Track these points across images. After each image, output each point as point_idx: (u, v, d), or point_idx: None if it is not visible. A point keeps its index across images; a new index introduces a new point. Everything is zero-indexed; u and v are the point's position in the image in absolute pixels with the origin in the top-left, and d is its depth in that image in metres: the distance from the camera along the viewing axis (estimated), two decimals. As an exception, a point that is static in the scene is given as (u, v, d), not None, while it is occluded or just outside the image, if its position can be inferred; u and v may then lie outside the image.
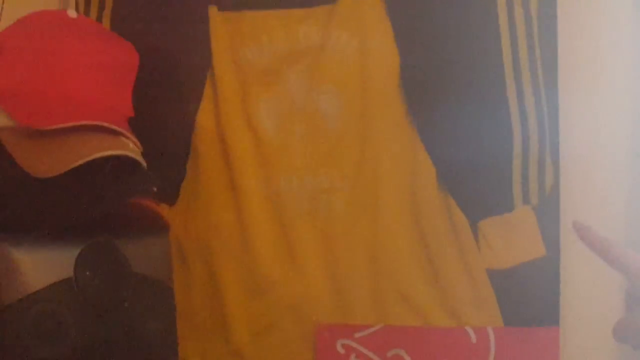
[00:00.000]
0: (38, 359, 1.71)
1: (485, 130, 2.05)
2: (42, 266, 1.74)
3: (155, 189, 1.94)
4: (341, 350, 2.08)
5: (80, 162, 1.72)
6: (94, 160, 1.73)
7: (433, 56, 2.07)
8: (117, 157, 1.77)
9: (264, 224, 2.13)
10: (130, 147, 1.81)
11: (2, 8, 2.14)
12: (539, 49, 2.03)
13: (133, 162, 1.81)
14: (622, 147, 2.04)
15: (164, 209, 2.12)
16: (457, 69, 2.06)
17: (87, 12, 2.20)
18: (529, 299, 2.02)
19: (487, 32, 2.04)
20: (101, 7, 2.20)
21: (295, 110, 2.12)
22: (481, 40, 2.05)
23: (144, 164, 1.83)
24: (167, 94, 2.15)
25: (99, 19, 2.19)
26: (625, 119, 2.04)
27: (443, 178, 2.06)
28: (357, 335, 2.08)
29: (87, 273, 1.78)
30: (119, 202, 1.88)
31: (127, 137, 1.83)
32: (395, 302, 2.08)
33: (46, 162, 1.76)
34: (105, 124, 1.80)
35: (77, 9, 2.17)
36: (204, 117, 2.16)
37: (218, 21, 2.16)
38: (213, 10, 2.15)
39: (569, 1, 2.02)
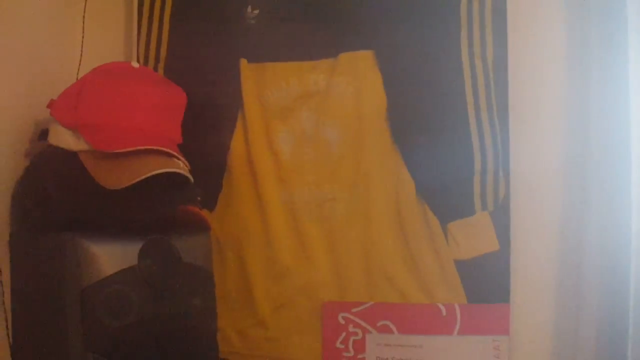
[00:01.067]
0: (109, 328, 1.74)
1: (452, 153, 2.09)
2: (112, 256, 1.78)
3: (199, 198, 2.01)
4: (342, 322, 2.12)
5: (142, 177, 1.76)
6: (153, 175, 1.76)
7: (412, 97, 2.12)
8: (170, 174, 1.80)
9: (282, 225, 2.17)
10: (181, 166, 1.85)
11: (80, 59, 2.19)
12: (494, 89, 2.08)
13: (183, 178, 1.84)
14: (558, 165, 2.10)
15: (206, 214, 2.08)
16: (430, 106, 2.11)
17: (146, 63, 2.22)
18: (486, 282, 2.07)
19: (454, 78, 2.09)
20: (157, 60, 2.23)
21: (306, 138, 2.17)
22: (449, 83, 2.10)
23: (192, 179, 1.87)
24: (208, 126, 2.16)
25: (155, 69, 2.21)
26: (560, 142, 2.10)
27: (420, 190, 2.10)
28: (354, 310, 2.12)
29: (148, 262, 1.83)
30: (172, 207, 1.92)
31: (178, 159, 1.86)
32: (383, 284, 2.12)
33: (115, 177, 1.79)
34: (161, 148, 1.84)
35: (138, 61, 2.19)
36: (236, 144, 2.19)
37: (247, 70, 2.20)
38: (243, 62, 2.19)
39: (517, 52, 2.08)
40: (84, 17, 2.25)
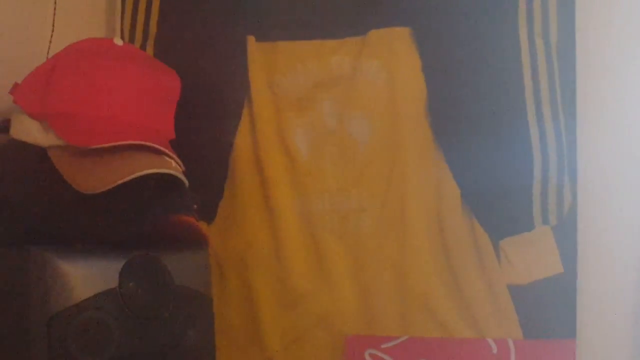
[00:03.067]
0: None
1: (507, 154, 2.03)
2: (88, 277, 1.72)
3: (195, 207, 1.96)
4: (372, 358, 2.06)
5: (125, 179, 1.70)
6: (138, 178, 1.71)
7: (458, 86, 2.06)
8: (160, 176, 1.75)
9: (297, 241, 2.11)
10: (173, 166, 1.79)
11: (52, 35, 2.15)
12: (558, 78, 2.01)
13: (175, 181, 1.79)
14: (637, 170, 2.01)
15: (203, 226, 2.08)
16: (481, 97, 2.05)
17: (132, 40, 2.21)
18: (547, 312, 2.00)
19: (510, 63, 2.04)
20: (145, 36, 2.20)
21: (327, 134, 2.12)
22: (504, 70, 2.04)
23: (186, 182, 1.81)
24: (207, 118, 2.14)
25: (143, 47, 2.20)
26: (637, 145, 2.02)
27: (467, 199, 2.04)
28: (383, 345, 2.06)
29: (131, 284, 1.76)
30: (161, 218, 1.87)
31: (170, 157, 1.81)
32: (420, 314, 2.06)
33: (93, 179, 1.74)
34: (149, 144, 1.79)
35: (122, 37, 2.17)
36: (241, 140, 2.15)
37: (255, 50, 2.16)
38: (251, 40, 2.16)
39: (587, 33, 2.02)
40: None
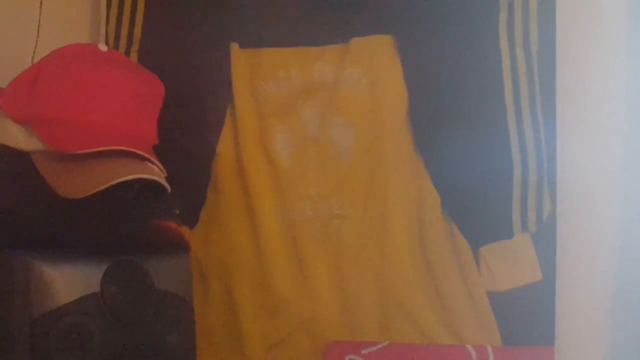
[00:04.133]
0: None
1: (487, 161, 2.05)
2: (70, 281, 1.74)
3: (177, 212, 1.96)
4: None
5: (108, 184, 1.72)
6: (120, 183, 1.73)
7: (440, 94, 2.08)
8: (142, 181, 1.77)
9: (279, 247, 2.13)
10: (156, 172, 1.81)
11: (37, 41, 2.16)
12: (539, 88, 2.04)
13: (157, 186, 1.81)
14: (616, 176, 2.05)
15: (185, 231, 2.10)
16: (461, 104, 2.07)
17: (116, 47, 2.21)
18: (526, 319, 2.02)
19: (491, 73, 2.05)
20: (129, 42, 2.21)
21: (309, 141, 2.13)
22: (485, 80, 2.06)
23: (168, 188, 1.82)
24: (190, 124, 2.15)
25: (127, 53, 2.20)
26: (619, 150, 2.05)
27: (447, 206, 2.06)
28: (364, 351, 2.07)
29: (113, 288, 1.78)
30: (143, 223, 1.88)
31: (153, 163, 1.83)
32: (400, 320, 2.07)
33: (75, 184, 1.76)
34: (132, 149, 1.81)
35: (107, 43, 2.18)
36: (224, 146, 2.16)
37: (238, 57, 2.17)
38: (234, 47, 2.17)
39: (566, 40, 2.04)
40: None
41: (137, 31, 2.22)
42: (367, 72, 2.11)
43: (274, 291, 2.12)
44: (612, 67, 2.06)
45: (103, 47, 2.04)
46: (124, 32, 2.22)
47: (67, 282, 1.74)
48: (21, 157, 1.82)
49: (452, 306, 2.05)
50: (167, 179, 1.83)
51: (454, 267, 2.06)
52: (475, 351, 2.03)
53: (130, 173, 1.75)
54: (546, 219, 2.03)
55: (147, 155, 1.82)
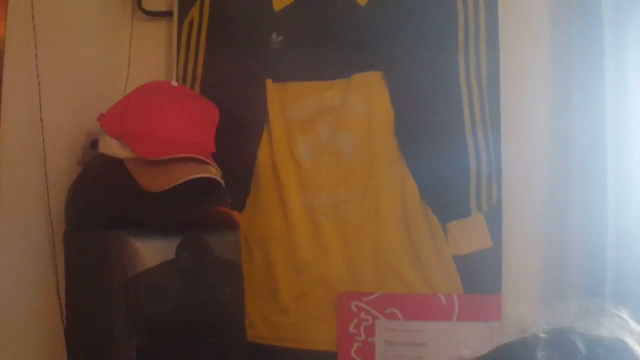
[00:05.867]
0: (150, 314, 1.72)
1: (451, 162, 2.05)
2: (153, 251, 1.76)
3: (229, 200, 1.99)
4: (354, 309, 2.07)
5: (180, 181, 1.75)
6: (189, 180, 1.75)
7: (416, 113, 2.07)
8: (205, 179, 1.80)
9: (302, 224, 2.11)
10: (214, 172, 1.84)
11: (127, 79, 2.16)
12: (487, 104, 2.04)
13: (215, 182, 1.83)
14: (543, 172, 2.04)
15: (235, 214, 2.08)
16: (432, 121, 2.06)
17: (184, 82, 2.18)
18: (481, 275, 2.02)
19: (453, 96, 2.05)
20: (193, 79, 2.18)
21: (323, 148, 2.11)
22: (449, 101, 2.06)
23: (223, 183, 1.85)
24: (237, 137, 2.11)
25: (192, 87, 2.18)
26: (545, 152, 2.05)
27: (423, 194, 2.05)
28: (365, 299, 2.07)
29: (184, 256, 1.79)
30: (205, 208, 1.90)
31: (212, 165, 1.85)
32: (390, 276, 2.06)
33: (156, 181, 1.78)
34: (196, 156, 1.83)
35: (177, 80, 2.16)
36: (262, 153, 2.14)
37: (272, 89, 2.14)
38: (269, 82, 2.14)
39: (508, 73, 2.03)
40: (130, 42, 2.25)
41: (199, 71, 2.18)
42: (364, 98, 2.09)
43: (299, 256, 2.11)
44: (541, 91, 2.06)
45: (174, 83, 2.07)
46: (190, 72, 2.19)
47: (151, 251, 1.75)
48: (117, 162, 1.83)
49: (428, 266, 2.05)
50: (222, 176, 1.86)
51: (428, 237, 2.06)
52: (445, 298, 2.03)
53: (195, 173, 1.78)
54: (494, 202, 2.03)
55: (207, 160, 1.85)
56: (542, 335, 0.68)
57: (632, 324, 0.69)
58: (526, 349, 0.66)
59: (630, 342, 0.66)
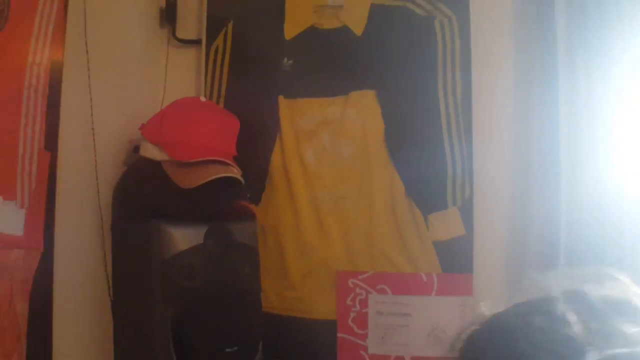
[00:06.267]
0: (183, 288, 1.74)
1: (431, 164, 2.07)
2: (185, 237, 1.77)
3: (248, 195, 2.00)
4: (351, 285, 2.08)
5: (208, 179, 1.77)
6: (215, 179, 1.77)
7: (402, 124, 2.09)
8: (228, 177, 1.81)
9: (308, 216, 2.12)
10: (235, 172, 1.85)
11: (164, 96, 2.18)
12: (461, 117, 2.06)
13: (236, 181, 1.84)
14: (508, 173, 2.07)
15: (254, 207, 2.09)
16: (416, 131, 2.08)
17: (210, 98, 2.19)
18: (456, 257, 2.04)
19: (433, 110, 2.07)
20: (219, 95, 2.18)
21: (325, 153, 2.13)
22: (429, 115, 2.07)
23: (243, 181, 1.86)
24: (255, 143, 2.13)
25: (217, 102, 2.17)
26: (509, 156, 2.07)
27: (409, 191, 2.07)
28: (359, 277, 2.08)
29: (211, 241, 1.81)
30: (228, 202, 1.90)
31: (233, 167, 1.86)
32: (380, 258, 2.08)
33: (188, 179, 1.79)
34: (221, 159, 1.84)
35: (205, 96, 2.16)
36: (275, 156, 2.16)
37: (284, 104, 2.16)
38: (281, 98, 2.16)
39: (478, 91, 2.06)
40: (166, 64, 2.26)
41: (223, 89, 2.19)
42: (359, 112, 2.11)
43: (305, 242, 2.13)
44: (505, 105, 2.09)
45: (203, 99, 2.08)
46: (215, 89, 2.20)
47: (183, 237, 1.77)
48: (155, 164, 1.85)
49: (411, 250, 2.07)
50: (242, 176, 1.87)
51: (412, 226, 2.07)
52: (425, 276, 2.05)
53: (220, 173, 1.80)
54: (467, 198, 2.05)
55: (229, 162, 1.86)
56: (557, 294, 0.65)
57: (633, 286, 0.67)
58: (545, 303, 0.63)
59: (635, 300, 0.64)
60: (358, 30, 2.12)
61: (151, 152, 1.86)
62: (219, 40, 2.19)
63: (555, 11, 1.95)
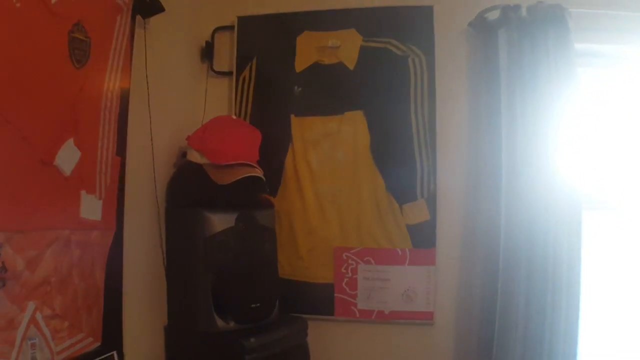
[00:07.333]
0: (218, 260, 1.74)
1: (405, 168, 2.04)
2: (220, 221, 1.77)
3: (267, 190, 1.97)
4: (345, 258, 2.06)
5: (238, 178, 1.76)
6: (245, 177, 1.77)
7: (384, 138, 2.06)
8: (253, 176, 1.80)
9: (312, 205, 2.09)
10: (258, 172, 1.82)
11: (204, 114, 2.14)
12: (428, 134, 2.04)
13: (259, 179, 1.83)
14: (461, 178, 2.03)
15: (272, 198, 2.08)
16: (394, 143, 2.06)
17: (239, 116, 2.15)
18: (423, 236, 2.02)
19: (407, 126, 2.05)
20: (245, 114, 2.14)
21: (326, 158, 2.10)
22: (404, 130, 2.05)
23: (264, 179, 1.85)
24: (272, 151, 2.08)
25: (245, 119, 2.14)
26: (463, 166, 2.03)
27: (388, 187, 2.05)
28: (351, 251, 2.06)
29: (240, 224, 1.81)
30: (253, 195, 1.90)
31: (257, 168, 1.83)
32: (367, 237, 2.06)
33: (223, 178, 1.78)
34: (248, 162, 1.82)
35: (235, 115, 2.15)
36: (288, 161, 2.12)
37: (295, 121, 2.12)
38: (293, 117, 2.12)
39: (441, 116, 2.03)
40: (206, 91, 2.22)
41: (249, 109, 2.14)
42: (352, 127, 2.09)
43: (310, 225, 2.10)
44: (461, 127, 2.06)
45: (234, 117, 2.08)
46: (243, 110, 2.16)
47: (219, 221, 1.77)
48: (198, 166, 1.83)
49: (390, 231, 2.05)
50: (263, 175, 1.84)
51: (390, 213, 2.05)
52: (400, 251, 2.03)
53: (247, 173, 1.79)
54: (431, 192, 2.02)
55: (254, 165, 1.84)
56: None
57: None
58: None
59: None
60: (351, 65, 2.09)
61: (195, 157, 1.85)
62: (246, 72, 2.17)
63: (499, 56, 1.93)
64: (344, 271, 2.06)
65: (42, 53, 1.34)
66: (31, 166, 1.31)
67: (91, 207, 1.52)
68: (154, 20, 1.77)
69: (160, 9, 1.74)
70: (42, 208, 1.34)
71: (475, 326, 1.94)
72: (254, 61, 2.15)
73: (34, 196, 1.32)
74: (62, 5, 1.38)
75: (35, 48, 1.31)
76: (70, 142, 1.43)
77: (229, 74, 2.18)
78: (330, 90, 2.11)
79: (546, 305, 1.84)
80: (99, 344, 1.51)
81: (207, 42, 2.19)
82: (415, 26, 2.05)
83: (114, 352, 1.53)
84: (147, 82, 1.77)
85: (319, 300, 2.06)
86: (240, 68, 2.16)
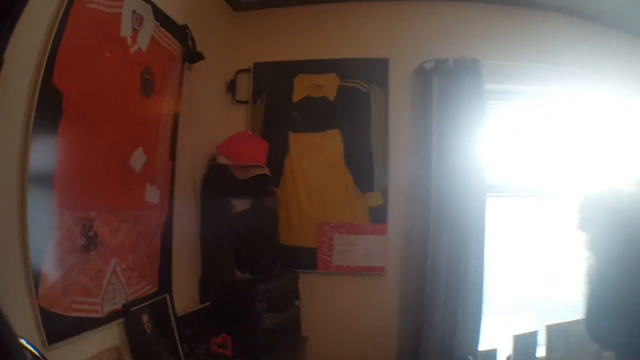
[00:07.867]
0: (240, 231, 1.74)
1: (367, 172, 2.04)
2: (241, 204, 1.75)
3: (273, 183, 1.97)
4: (325, 230, 2.05)
5: (253, 174, 1.77)
6: (257, 174, 1.77)
7: (354, 149, 2.06)
8: (263, 174, 1.79)
9: (303, 194, 2.07)
10: (267, 171, 1.82)
11: (229, 131, 2.04)
12: (382, 147, 2.03)
13: (268, 176, 1.82)
14: (408, 179, 2.01)
15: (275, 189, 2.02)
16: (360, 155, 2.05)
17: (253, 132, 2.10)
18: (378, 214, 2.02)
19: (368, 145, 2.04)
20: (258, 132, 2.10)
21: (314, 162, 2.08)
22: (366, 144, 2.04)
23: (271, 176, 1.85)
24: (275, 156, 2.01)
25: (257, 134, 2.09)
26: (409, 170, 2.01)
27: (355, 182, 2.04)
28: (329, 225, 2.05)
29: (254, 206, 1.79)
30: (264, 187, 1.89)
31: (266, 168, 1.83)
32: (341, 216, 2.05)
33: (243, 174, 1.78)
34: (260, 164, 1.82)
35: (251, 131, 2.11)
36: (287, 163, 2.09)
37: (292, 136, 2.10)
38: (290, 133, 2.10)
39: (393, 137, 2.03)
40: (230, 115, 2.16)
41: (261, 127, 2.11)
42: (331, 141, 2.07)
43: (301, 208, 2.07)
44: (407, 147, 2.03)
45: (250, 132, 2.06)
46: (257, 127, 2.12)
47: (239, 204, 1.75)
48: (225, 166, 1.82)
49: (356, 212, 2.04)
50: (270, 172, 1.84)
51: (357, 200, 2.04)
52: (363, 225, 2.03)
53: (259, 171, 1.79)
54: (385, 186, 2.03)
55: (264, 166, 1.83)
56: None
57: None
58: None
59: None
60: (331, 97, 2.09)
61: (222, 160, 1.84)
62: (258, 102, 2.15)
63: (433, 93, 1.96)
64: (324, 239, 2.06)
65: (123, 88, 1.39)
66: (113, 166, 1.36)
67: (153, 194, 1.55)
68: (196, 65, 1.78)
69: (201, 58, 1.75)
70: (120, 195, 1.39)
71: (413, 274, 1.98)
72: (264, 94, 2.15)
73: (116, 186, 1.37)
74: (137, 55, 1.43)
75: (118, 84, 1.36)
76: (140, 149, 1.47)
77: (246, 102, 2.16)
78: (317, 115, 2.10)
79: (461, 257, 1.90)
80: (156, 289, 1.54)
81: (231, 80, 2.17)
82: (376, 72, 2.08)
83: (167, 295, 1.55)
84: (190, 108, 1.77)
85: (306, 259, 2.06)
86: (254, 99, 2.15)
